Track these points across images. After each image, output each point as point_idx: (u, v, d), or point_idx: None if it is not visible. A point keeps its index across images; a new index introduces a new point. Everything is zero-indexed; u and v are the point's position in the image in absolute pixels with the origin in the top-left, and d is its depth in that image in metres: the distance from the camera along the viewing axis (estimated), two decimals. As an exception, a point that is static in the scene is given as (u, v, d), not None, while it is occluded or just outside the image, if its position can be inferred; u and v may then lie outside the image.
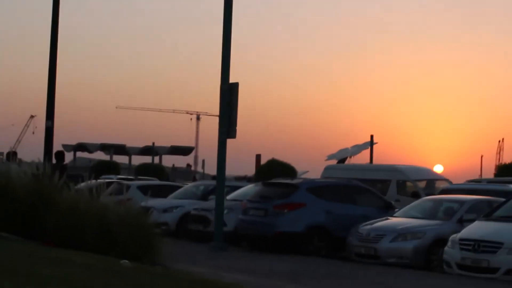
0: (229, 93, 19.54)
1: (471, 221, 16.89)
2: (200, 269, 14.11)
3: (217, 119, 19.95)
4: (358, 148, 67.57)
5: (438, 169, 72.02)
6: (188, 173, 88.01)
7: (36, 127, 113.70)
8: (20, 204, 13.77)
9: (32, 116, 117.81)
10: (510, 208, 16.77)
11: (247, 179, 43.55)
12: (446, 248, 16.10)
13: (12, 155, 25.44)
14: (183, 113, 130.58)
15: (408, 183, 27.23)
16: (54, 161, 21.60)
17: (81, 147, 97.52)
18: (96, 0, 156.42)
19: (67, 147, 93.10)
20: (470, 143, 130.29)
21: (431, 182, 27.22)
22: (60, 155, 22.30)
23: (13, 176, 14.31)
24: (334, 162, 68.30)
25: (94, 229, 12.91)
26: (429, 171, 29.22)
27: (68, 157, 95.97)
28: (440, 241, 16.89)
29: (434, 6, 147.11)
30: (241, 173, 59.88)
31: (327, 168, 28.81)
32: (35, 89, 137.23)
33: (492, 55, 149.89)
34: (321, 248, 19.06)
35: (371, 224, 18.29)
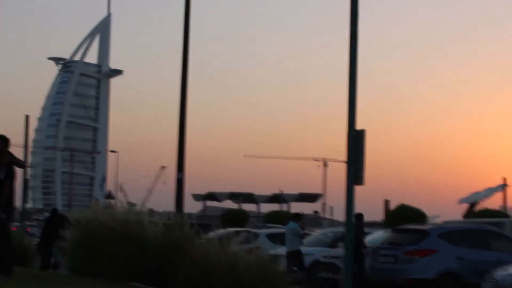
0: (356, 140, 19.45)
1: None
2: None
3: (343, 165, 19.89)
4: (490, 191, 65.81)
5: None
6: (315, 220, 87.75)
7: (166, 178, 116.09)
8: (152, 254, 14.05)
9: (162, 168, 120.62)
10: None
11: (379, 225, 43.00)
12: None
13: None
14: (309, 160, 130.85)
15: None
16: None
17: (211, 196, 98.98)
18: (222, 49, 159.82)
19: (197, 197, 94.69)
20: None
21: None
22: (359, 217, 21.57)
23: (145, 226, 14.64)
24: (465, 206, 66.75)
25: (224, 277, 13.03)
26: None
27: (198, 206, 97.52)
28: None
29: None
30: (369, 219, 59.24)
31: None
32: (166, 140, 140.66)
33: None
34: (454, 295, 18.59)
35: (507, 269, 17.68)
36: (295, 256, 20.78)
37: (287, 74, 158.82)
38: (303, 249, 24.52)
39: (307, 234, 26.84)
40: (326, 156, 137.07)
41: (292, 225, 21.28)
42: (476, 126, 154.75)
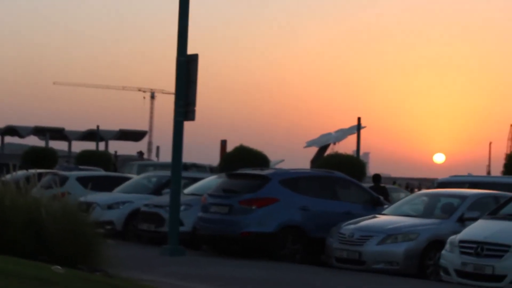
0: (187, 66, 19.50)
1: (474, 219, 16.96)
2: (150, 276, 14.10)
3: (173, 97, 19.91)
4: (343, 133, 67.69)
5: (439, 158, 72.44)
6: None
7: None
8: None
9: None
10: (520, 205, 16.84)
11: (211, 169, 43.49)
12: (443, 252, 16.18)
13: None
14: (134, 90, 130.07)
15: None
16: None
17: (11, 130, 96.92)
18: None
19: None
20: (478, 127, 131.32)
21: None
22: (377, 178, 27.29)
23: None
24: (314, 149, 68.55)
25: (21, 228, 12.82)
26: None
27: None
28: (437, 244, 17.00)
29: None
30: (204, 162, 59.85)
31: None
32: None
33: (504, 33, 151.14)
34: (295, 252, 19.11)
35: (356, 223, 18.32)
36: None
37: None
38: (121, 196, 24.49)
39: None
40: (154, 86, 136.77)
41: None
42: (329, 64, 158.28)
